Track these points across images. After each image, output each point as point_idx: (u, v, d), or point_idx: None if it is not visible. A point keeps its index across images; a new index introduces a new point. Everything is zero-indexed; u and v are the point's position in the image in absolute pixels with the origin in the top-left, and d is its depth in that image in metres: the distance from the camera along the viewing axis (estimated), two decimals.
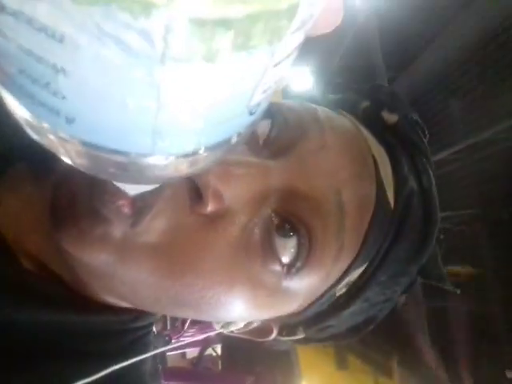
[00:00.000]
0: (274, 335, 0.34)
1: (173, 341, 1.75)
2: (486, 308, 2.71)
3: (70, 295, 0.28)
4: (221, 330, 0.33)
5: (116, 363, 0.26)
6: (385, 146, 0.30)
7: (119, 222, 0.22)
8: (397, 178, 0.28)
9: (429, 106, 3.46)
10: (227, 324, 0.33)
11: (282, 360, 1.47)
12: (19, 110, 0.11)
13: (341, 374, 5.40)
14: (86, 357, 0.27)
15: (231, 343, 1.62)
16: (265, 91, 0.12)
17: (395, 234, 0.28)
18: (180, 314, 0.28)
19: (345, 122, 0.30)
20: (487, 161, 2.78)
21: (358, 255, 0.27)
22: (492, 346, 2.65)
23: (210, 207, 0.22)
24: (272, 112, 0.26)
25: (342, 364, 5.45)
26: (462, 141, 2.71)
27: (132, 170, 0.12)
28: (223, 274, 0.23)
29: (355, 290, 0.29)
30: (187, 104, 0.10)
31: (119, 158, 0.11)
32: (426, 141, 0.33)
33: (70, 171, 0.23)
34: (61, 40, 0.08)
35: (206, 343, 2.32)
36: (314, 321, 0.31)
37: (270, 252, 0.24)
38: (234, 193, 0.23)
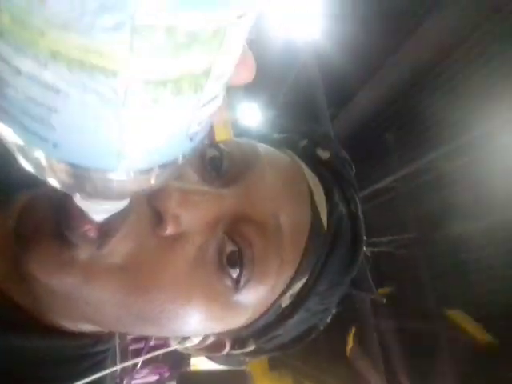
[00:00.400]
0: (226, 350, 0.36)
1: (124, 382, 1.67)
2: (428, 326, 2.86)
3: (29, 321, 0.28)
4: (177, 347, 0.35)
5: None
6: (319, 177, 0.35)
7: (85, 246, 0.24)
8: (329, 204, 0.33)
9: (367, 139, 3.72)
10: (183, 340, 0.35)
11: None
12: (13, 138, 0.14)
13: None
14: (46, 382, 0.28)
15: (187, 380, 1.58)
16: (199, 123, 0.16)
17: (329, 250, 0.33)
18: (141, 330, 0.30)
19: (283, 156, 0.35)
20: (421, 188, 3.02)
21: (298, 269, 0.31)
22: (434, 362, 2.79)
23: (170, 230, 0.25)
24: (221, 149, 0.31)
25: None
26: (397, 170, 2.93)
27: (101, 185, 0.16)
28: (181, 290, 0.26)
29: (298, 301, 0.33)
30: (142, 133, 0.15)
31: (93, 175, 0.15)
32: (352, 174, 0.39)
33: (35, 198, 0.25)
34: (57, 92, 0.13)
35: (159, 382, 2.23)
36: (262, 332, 0.35)
37: (221, 268, 0.27)
38: (191, 217, 0.26)
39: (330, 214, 0.33)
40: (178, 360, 2.42)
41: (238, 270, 0.28)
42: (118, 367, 0.35)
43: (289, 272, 0.31)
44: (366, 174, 3.43)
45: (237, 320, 0.32)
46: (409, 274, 3.18)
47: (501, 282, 2.38)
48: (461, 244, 2.67)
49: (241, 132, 0.41)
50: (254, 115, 4.48)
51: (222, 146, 0.32)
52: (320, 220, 0.32)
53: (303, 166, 0.35)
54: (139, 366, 2.10)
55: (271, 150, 0.35)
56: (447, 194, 2.72)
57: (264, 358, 6.29)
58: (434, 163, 2.71)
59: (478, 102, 2.46)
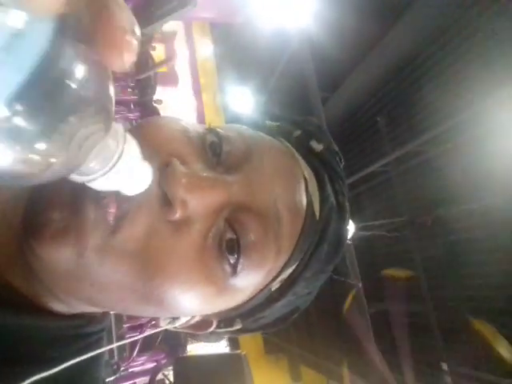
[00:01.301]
0: (212, 328, 0.38)
1: (122, 368, 1.69)
2: (421, 306, 2.93)
3: (21, 300, 0.29)
4: (167, 327, 0.36)
5: (70, 367, 0.28)
6: (312, 168, 0.36)
7: (99, 228, 0.25)
8: (321, 194, 0.35)
9: (359, 122, 3.73)
10: (173, 320, 0.36)
11: (236, 377, 1.49)
12: None
13: None
14: (40, 362, 0.28)
15: (183, 365, 1.60)
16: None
17: (318, 239, 0.34)
18: (140, 311, 0.31)
19: (279, 144, 0.36)
20: (411, 172, 3.05)
21: (291, 255, 0.32)
22: (428, 342, 2.86)
23: (179, 214, 0.26)
24: (220, 135, 0.31)
25: (295, 376, 5.51)
26: (388, 154, 2.95)
27: None
28: (185, 274, 0.27)
29: (287, 286, 0.35)
30: None
31: None
32: (342, 167, 0.40)
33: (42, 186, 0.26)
34: None
35: (156, 369, 2.26)
36: (251, 313, 0.36)
37: (220, 254, 0.28)
38: (198, 202, 0.27)
39: (322, 204, 0.34)
40: (175, 346, 2.45)
41: (235, 256, 0.29)
42: (115, 345, 0.36)
43: (284, 258, 0.32)
44: (358, 158, 3.45)
45: (230, 302, 0.33)
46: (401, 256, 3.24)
47: (492, 265, 2.43)
48: (452, 225, 2.72)
49: (234, 118, 0.41)
50: (245, 100, 4.45)
51: (220, 131, 0.32)
52: (313, 209, 0.33)
53: (297, 155, 0.36)
54: (135, 353, 2.12)
55: (267, 137, 0.36)
56: (439, 177, 2.75)
57: (260, 342, 6.39)
58: (426, 146, 2.73)
59: (467, 84, 2.47)
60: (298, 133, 0.39)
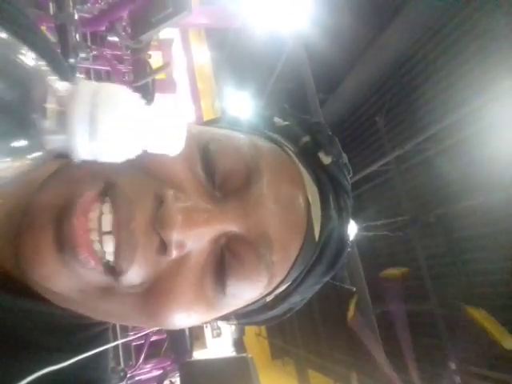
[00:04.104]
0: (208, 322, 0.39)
1: (128, 375, 1.68)
2: (425, 305, 2.91)
3: (18, 286, 0.29)
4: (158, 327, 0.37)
5: (78, 355, 0.29)
6: (317, 183, 0.35)
7: (101, 274, 0.25)
8: (324, 216, 0.34)
9: (358, 123, 3.73)
10: None
11: (243, 380, 1.48)
12: None
13: None
14: (45, 350, 0.29)
15: (189, 369, 1.60)
16: None
17: (316, 259, 0.34)
18: (142, 325, 0.32)
19: (284, 163, 0.33)
20: (412, 170, 3.05)
21: (286, 277, 0.33)
22: (435, 342, 2.84)
23: (175, 255, 0.27)
24: (218, 159, 0.30)
25: (303, 380, 5.47)
26: (388, 153, 2.95)
27: None
28: (187, 306, 0.29)
29: (281, 298, 0.36)
30: None
31: None
32: (349, 179, 0.39)
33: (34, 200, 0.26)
34: None
35: (162, 375, 2.25)
36: (245, 316, 0.38)
37: (217, 281, 0.29)
38: (195, 238, 0.28)
39: (323, 226, 0.34)
40: (181, 353, 2.44)
41: (230, 284, 0.30)
42: (121, 342, 0.36)
43: (278, 280, 0.33)
44: (358, 158, 3.45)
45: (225, 312, 0.34)
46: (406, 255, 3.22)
47: (495, 262, 2.42)
48: (454, 223, 2.71)
49: (235, 122, 0.39)
50: (244, 104, 4.47)
51: (216, 153, 0.30)
52: (313, 232, 0.33)
53: (302, 170, 0.34)
54: (141, 360, 2.11)
55: (269, 152, 0.34)
56: (440, 174, 2.75)
57: (266, 348, 6.35)
58: (426, 144, 2.73)
59: (466, 80, 2.48)
60: (306, 139, 0.37)
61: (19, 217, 0.26)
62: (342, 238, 0.36)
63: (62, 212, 0.25)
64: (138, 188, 0.26)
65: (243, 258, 0.30)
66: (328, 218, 0.34)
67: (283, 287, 0.34)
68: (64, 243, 0.24)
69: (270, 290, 0.33)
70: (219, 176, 0.30)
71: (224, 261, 0.30)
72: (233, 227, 0.29)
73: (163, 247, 0.26)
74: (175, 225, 0.26)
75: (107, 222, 0.25)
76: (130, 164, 0.26)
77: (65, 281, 0.26)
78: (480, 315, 2.29)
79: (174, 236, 0.26)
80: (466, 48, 2.47)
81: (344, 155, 0.39)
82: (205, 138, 0.31)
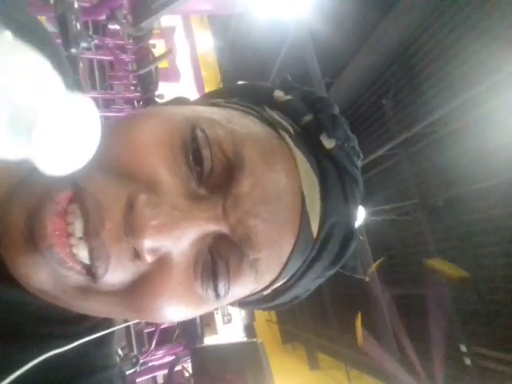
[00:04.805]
0: None
1: (141, 361, 1.72)
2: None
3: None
4: None
5: (83, 343, 0.29)
6: (318, 170, 0.32)
7: (79, 274, 0.25)
8: (323, 210, 0.31)
9: (364, 107, 3.68)
10: None
11: (253, 365, 1.50)
12: None
13: (313, 373, 5.49)
14: (50, 337, 0.29)
15: (201, 355, 1.62)
16: None
17: (315, 256, 0.32)
18: (134, 318, 0.33)
19: (276, 157, 0.30)
20: (420, 154, 3.01)
21: (279, 274, 0.31)
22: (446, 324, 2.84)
23: (149, 260, 0.25)
24: (209, 142, 0.28)
25: (313, 364, 5.54)
26: (396, 137, 2.91)
27: None
28: (174, 303, 0.28)
29: (280, 291, 0.35)
30: None
31: None
32: (359, 164, 0.36)
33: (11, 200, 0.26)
34: None
35: (174, 361, 2.29)
36: (246, 305, 0.37)
37: (204, 279, 0.28)
38: (171, 243, 0.26)
39: (322, 221, 0.31)
40: (193, 339, 2.48)
41: (216, 283, 0.29)
42: (129, 324, 0.37)
43: (269, 277, 0.31)
44: (365, 142, 3.41)
45: (220, 306, 0.34)
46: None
47: (504, 245, 2.39)
48: (463, 206, 2.68)
49: (230, 95, 0.36)
50: None
51: (208, 135, 0.28)
52: (309, 227, 0.31)
53: (299, 157, 0.31)
54: (153, 346, 2.15)
55: (259, 140, 0.30)
56: (449, 157, 2.71)
57: (276, 333, 6.42)
58: (433, 126, 2.68)
59: (473, 62, 2.42)
60: (308, 118, 0.34)
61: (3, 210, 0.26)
62: (349, 231, 0.33)
63: (35, 212, 0.24)
64: (109, 191, 0.25)
65: (227, 257, 0.29)
66: (329, 211, 0.31)
67: (280, 282, 0.33)
68: (38, 243, 0.24)
69: (262, 286, 0.32)
70: (205, 171, 0.28)
71: (211, 260, 0.29)
72: (214, 227, 0.28)
73: (137, 253, 0.25)
74: (144, 233, 0.24)
75: (79, 228, 0.24)
76: (106, 164, 0.25)
77: (46, 280, 0.25)
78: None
79: (146, 244, 0.25)
80: (473, 28, 2.40)
81: (352, 137, 0.35)
82: (190, 125, 0.29)
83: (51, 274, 0.25)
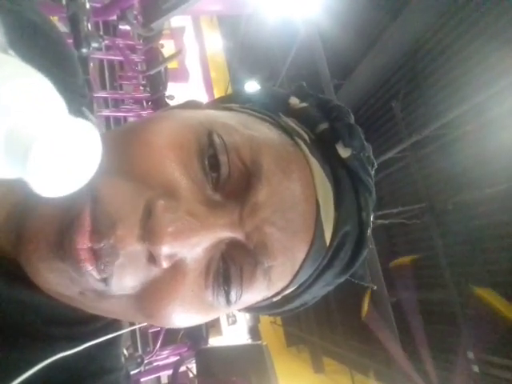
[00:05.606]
0: None
1: (145, 361, 1.72)
2: (442, 294, 2.87)
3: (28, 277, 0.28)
4: None
5: (90, 345, 0.29)
6: (333, 178, 0.32)
7: (92, 280, 0.25)
8: (337, 219, 0.31)
9: (373, 109, 3.66)
10: None
11: (258, 367, 1.49)
12: None
13: (318, 376, 5.47)
14: (57, 339, 0.29)
15: (205, 356, 1.62)
16: None
17: (326, 264, 0.32)
18: (143, 322, 0.32)
19: (292, 165, 0.30)
20: (429, 157, 2.98)
21: (291, 282, 0.31)
22: (453, 330, 2.81)
23: (165, 265, 0.25)
24: (226, 149, 0.28)
25: (318, 368, 5.52)
26: (405, 139, 2.88)
27: None
28: (184, 309, 0.28)
29: (290, 298, 0.34)
30: None
31: None
32: (372, 174, 0.36)
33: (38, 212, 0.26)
34: None
35: (178, 362, 2.29)
36: (253, 310, 0.37)
37: (216, 287, 0.28)
38: (187, 249, 0.26)
39: (335, 229, 0.31)
40: (197, 339, 2.48)
41: (228, 289, 0.29)
42: (138, 327, 0.36)
43: (281, 284, 0.31)
44: (374, 145, 3.39)
45: (229, 312, 0.36)
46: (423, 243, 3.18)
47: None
48: (472, 210, 2.65)
49: (245, 102, 0.36)
50: None
51: (225, 141, 0.28)
52: (322, 236, 0.31)
53: (314, 165, 0.31)
54: (158, 346, 2.15)
55: (276, 147, 0.30)
56: (458, 160, 2.68)
57: (281, 336, 6.41)
58: (443, 130, 2.66)
59: (484, 65, 2.39)
60: (324, 126, 0.34)
61: (20, 214, 0.26)
62: (360, 241, 0.33)
63: (63, 229, 0.24)
64: (126, 198, 0.25)
65: (241, 264, 0.28)
66: (343, 220, 0.32)
67: (290, 289, 0.33)
68: (66, 259, 0.24)
69: (273, 293, 0.32)
70: (221, 177, 0.28)
71: (224, 267, 0.28)
72: (230, 234, 0.27)
73: (153, 258, 0.25)
74: (163, 238, 0.25)
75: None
76: (122, 169, 0.25)
77: (64, 283, 0.25)
78: (488, 295, 2.26)
79: (164, 249, 0.25)
80: (483, 32, 2.37)
81: (368, 147, 0.35)
82: (206, 130, 0.28)
83: (70, 278, 0.25)
